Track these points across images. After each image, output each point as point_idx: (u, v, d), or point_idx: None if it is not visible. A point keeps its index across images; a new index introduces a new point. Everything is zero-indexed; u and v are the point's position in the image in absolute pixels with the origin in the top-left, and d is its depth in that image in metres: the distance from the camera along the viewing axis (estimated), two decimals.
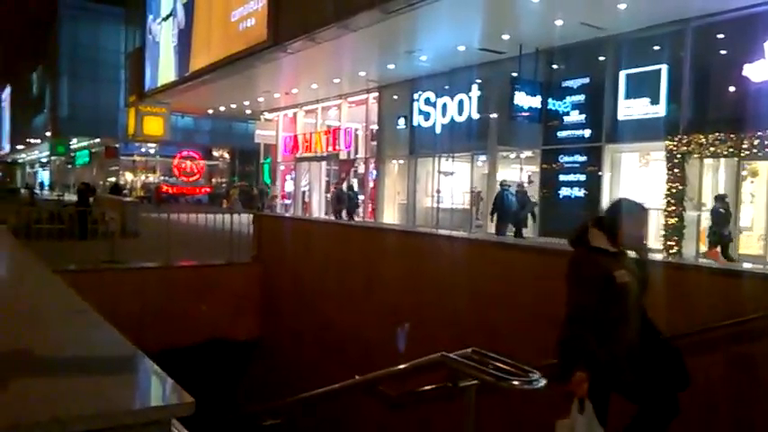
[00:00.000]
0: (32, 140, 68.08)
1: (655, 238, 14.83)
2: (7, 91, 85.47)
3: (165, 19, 29.56)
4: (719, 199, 12.56)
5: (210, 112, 35.88)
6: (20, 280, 3.65)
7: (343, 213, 21.71)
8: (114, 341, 2.28)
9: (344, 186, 23.62)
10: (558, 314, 5.36)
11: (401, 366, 3.01)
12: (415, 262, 7.14)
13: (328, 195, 27.31)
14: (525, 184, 16.97)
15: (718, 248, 12.31)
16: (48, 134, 59.14)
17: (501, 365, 2.83)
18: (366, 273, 7.96)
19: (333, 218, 21.71)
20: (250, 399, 10.04)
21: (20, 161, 79.96)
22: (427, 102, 21.09)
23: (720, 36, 13.51)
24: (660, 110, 14.41)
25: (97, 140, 50.71)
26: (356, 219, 22.22)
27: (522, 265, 5.76)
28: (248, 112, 32.40)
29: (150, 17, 31.97)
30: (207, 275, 10.29)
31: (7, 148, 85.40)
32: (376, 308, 7.66)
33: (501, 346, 5.90)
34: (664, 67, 14.29)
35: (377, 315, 7.57)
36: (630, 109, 15.02)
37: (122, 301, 9.42)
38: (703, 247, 14.00)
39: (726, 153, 12.80)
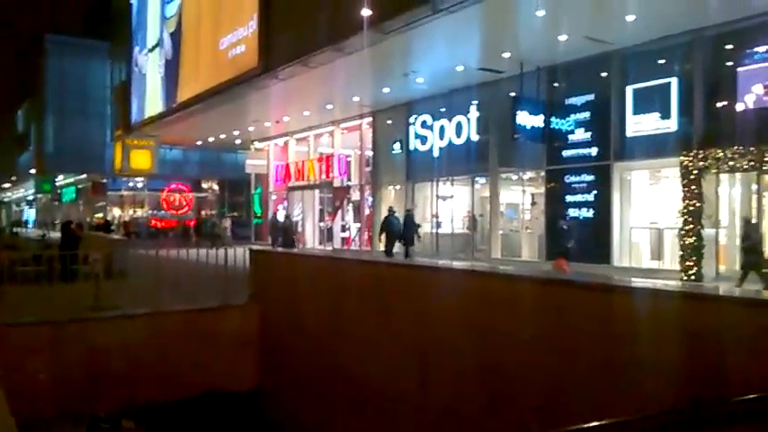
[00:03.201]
0: (18, 178, 67.04)
1: (671, 258, 14.19)
2: None
3: (152, 50, 28.98)
4: (566, 218, 14.58)
5: (199, 143, 35.15)
6: None
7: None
8: None
9: (280, 215, 25.85)
10: (622, 358, 4.59)
11: None
12: (440, 299, 6.31)
13: (321, 224, 26.71)
14: (412, 209, 19.47)
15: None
16: (33, 171, 58.11)
17: None
18: (380, 312, 7.12)
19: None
20: None
21: (5, 200, 78.75)
22: (424, 125, 20.51)
23: (732, 46, 12.95)
24: (671, 124, 13.82)
25: (83, 176, 49.80)
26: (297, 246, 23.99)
27: (578, 306, 4.98)
28: (238, 141, 31.74)
29: (136, 49, 31.40)
30: (200, 320, 9.40)
31: None
32: (393, 351, 6.82)
33: (556, 399, 5.14)
34: (673, 81, 13.73)
35: (394, 359, 6.73)
36: (639, 125, 14.43)
37: (109, 353, 8.58)
38: (722, 267, 13.40)
39: (746, 167, 12.15)
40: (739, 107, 12.69)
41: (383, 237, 18.17)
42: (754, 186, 12.87)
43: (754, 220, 12.35)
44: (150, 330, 8.97)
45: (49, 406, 8.34)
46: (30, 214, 67.59)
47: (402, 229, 17.82)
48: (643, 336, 4.67)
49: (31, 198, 66.87)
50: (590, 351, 4.89)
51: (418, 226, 18.50)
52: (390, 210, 19.16)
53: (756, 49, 12.46)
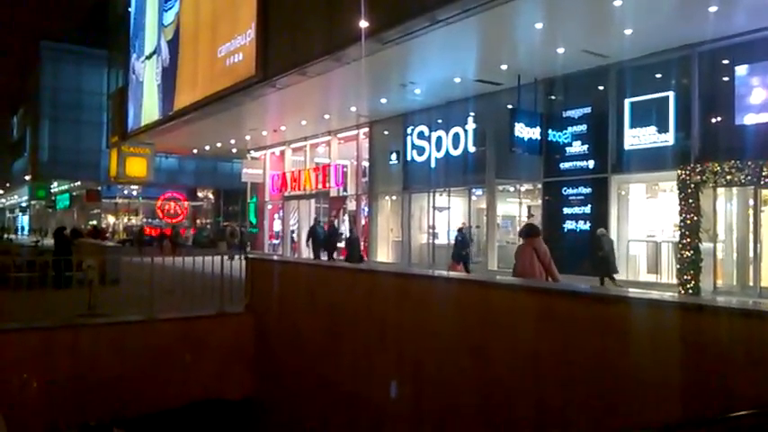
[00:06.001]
0: (12, 185, 66.83)
1: (668, 272, 14.18)
2: None
3: (149, 57, 28.95)
4: (459, 230, 17.28)
5: (195, 151, 35.08)
6: None
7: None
8: None
9: (236, 224, 29.14)
10: (631, 372, 4.53)
11: None
12: (437, 308, 6.23)
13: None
14: (334, 220, 22.79)
15: (460, 265, 16.84)
16: (27, 178, 57.92)
17: None
18: (378, 324, 7.04)
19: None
20: None
21: None
22: (421, 136, 20.50)
23: (729, 60, 13.01)
24: (669, 138, 13.84)
25: (78, 183, 49.67)
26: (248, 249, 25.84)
27: (580, 316, 4.92)
28: (234, 150, 31.68)
29: (134, 56, 31.37)
30: (194, 329, 9.28)
31: None
32: (390, 365, 6.73)
33: (555, 412, 5.07)
34: (671, 95, 13.77)
35: (391, 373, 6.65)
36: (637, 138, 14.45)
37: (101, 360, 8.48)
38: (720, 281, 13.38)
39: (743, 181, 12.15)
40: (736, 121, 12.75)
41: (310, 243, 21.26)
42: (751, 201, 12.88)
43: (605, 233, 14.10)
44: (143, 338, 8.87)
45: (39, 414, 8.21)
46: (23, 221, 67.30)
47: (326, 238, 20.61)
48: (644, 347, 4.62)
49: (24, 205, 66.62)
50: (591, 364, 4.83)
51: (340, 234, 21.65)
52: (316, 220, 22.81)
53: (753, 64, 12.52)
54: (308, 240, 21.83)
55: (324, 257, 20.70)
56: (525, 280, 6.88)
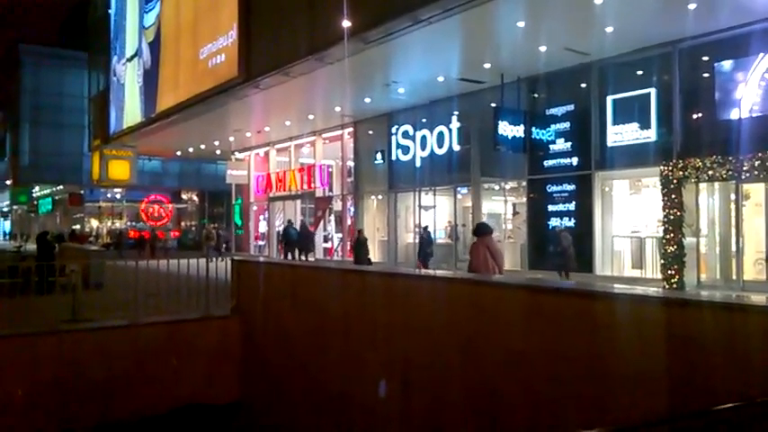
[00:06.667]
0: None
1: (652, 267, 14.30)
2: None
3: (130, 59, 28.69)
4: (424, 229, 18.07)
5: (179, 153, 34.82)
6: None
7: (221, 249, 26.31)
8: None
9: (212, 226, 30.30)
10: (617, 367, 4.55)
11: None
12: (426, 308, 6.23)
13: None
14: (306, 220, 23.73)
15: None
16: (8, 183, 57.16)
17: None
18: (367, 324, 7.03)
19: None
20: None
21: None
22: (405, 135, 20.51)
23: (708, 57, 13.14)
24: (651, 134, 13.96)
25: (60, 187, 49.11)
26: (223, 251, 26.16)
27: (568, 313, 4.94)
28: (218, 152, 31.51)
29: (115, 58, 31.08)
30: (180, 332, 9.20)
31: None
32: (379, 365, 6.72)
33: (545, 415, 5.09)
34: (652, 91, 13.89)
35: (380, 373, 6.63)
36: (619, 135, 14.56)
37: (85, 366, 8.38)
38: (703, 275, 13.53)
39: (724, 176, 12.28)
40: (717, 117, 12.88)
41: (282, 245, 22.05)
42: (733, 196, 13.02)
43: (564, 230, 14.75)
44: (128, 343, 8.77)
45: (23, 422, 8.10)
46: (5, 226, 66.42)
47: (299, 239, 21.28)
48: (631, 342, 4.65)
49: (6, 210, 65.77)
50: (578, 359, 4.85)
51: (313, 234, 22.41)
52: (289, 221, 23.03)
53: (733, 60, 12.66)
54: (280, 241, 22.42)
55: (300, 258, 21.02)
56: (513, 278, 6.91)
